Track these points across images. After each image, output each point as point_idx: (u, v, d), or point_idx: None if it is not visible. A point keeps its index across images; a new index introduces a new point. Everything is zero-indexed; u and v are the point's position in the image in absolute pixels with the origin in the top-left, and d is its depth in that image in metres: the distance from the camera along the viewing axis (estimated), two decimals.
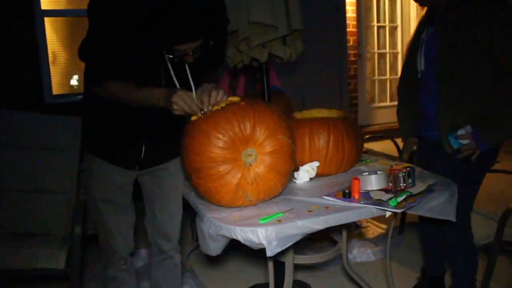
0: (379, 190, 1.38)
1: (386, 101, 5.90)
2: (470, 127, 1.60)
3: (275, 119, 1.33)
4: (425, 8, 1.77)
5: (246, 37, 1.97)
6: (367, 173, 1.43)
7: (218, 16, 1.34)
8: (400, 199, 1.31)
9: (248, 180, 1.29)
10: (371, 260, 2.50)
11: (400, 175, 1.38)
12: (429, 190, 1.41)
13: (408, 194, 1.35)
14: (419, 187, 1.39)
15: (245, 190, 1.29)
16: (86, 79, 1.48)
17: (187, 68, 1.41)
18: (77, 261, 1.85)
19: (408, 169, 1.40)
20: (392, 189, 1.38)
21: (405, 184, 1.38)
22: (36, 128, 2.11)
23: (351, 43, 5.15)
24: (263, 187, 1.32)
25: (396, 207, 1.28)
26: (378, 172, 1.43)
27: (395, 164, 1.71)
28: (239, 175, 1.28)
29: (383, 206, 1.29)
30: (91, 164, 1.58)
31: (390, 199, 1.31)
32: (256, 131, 1.29)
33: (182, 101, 1.28)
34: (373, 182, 1.39)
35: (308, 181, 1.60)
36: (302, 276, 2.30)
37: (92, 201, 1.60)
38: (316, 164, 1.60)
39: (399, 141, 3.27)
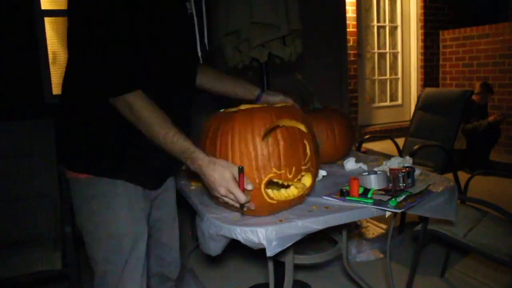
0: (379, 190, 1.38)
1: (386, 101, 5.89)
2: None
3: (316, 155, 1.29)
4: None
5: (247, 37, 1.97)
6: (366, 173, 1.43)
7: None
8: (400, 199, 1.31)
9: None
10: (371, 260, 2.50)
11: (400, 175, 1.38)
12: (429, 190, 1.42)
13: (408, 194, 1.35)
14: (419, 187, 1.39)
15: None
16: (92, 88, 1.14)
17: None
18: (74, 259, 1.84)
19: (407, 169, 1.41)
20: (392, 189, 1.39)
21: (404, 184, 1.38)
22: (6, 136, 2.09)
23: (351, 43, 5.14)
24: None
25: (396, 207, 1.28)
26: (378, 172, 1.43)
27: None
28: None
29: (383, 206, 1.29)
30: (109, 190, 1.21)
31: (390, 199, 1.31)
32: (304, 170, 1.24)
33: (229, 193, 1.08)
34: (372, 182, 1.39)
35: None
36: (302, 276, 2.30)
37: (111, 238, 1.22)
38: (323, 173, 1.62)
39: (399, 141, 3.28)
